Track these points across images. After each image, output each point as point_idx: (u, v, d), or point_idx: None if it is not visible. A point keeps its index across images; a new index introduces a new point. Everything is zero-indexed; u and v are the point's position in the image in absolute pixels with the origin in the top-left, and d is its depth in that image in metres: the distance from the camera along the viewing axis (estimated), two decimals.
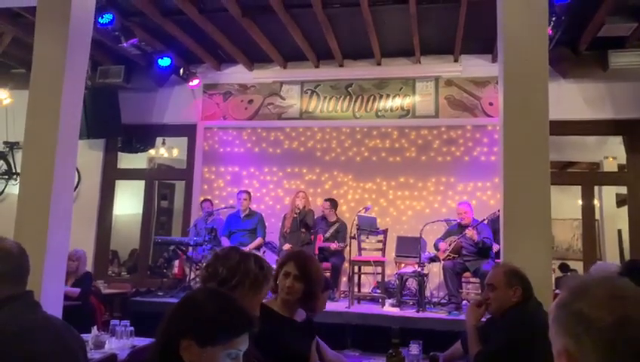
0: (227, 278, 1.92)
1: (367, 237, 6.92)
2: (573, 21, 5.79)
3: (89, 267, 7.44)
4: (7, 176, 8.12)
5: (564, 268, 8.46)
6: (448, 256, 6.13)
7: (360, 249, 6.87)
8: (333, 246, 6.64)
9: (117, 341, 3.45)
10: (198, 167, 8.10)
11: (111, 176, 8.33)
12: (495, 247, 5.94)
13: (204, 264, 2.07)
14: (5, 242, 1.79)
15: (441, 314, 5.75)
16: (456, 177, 7.42)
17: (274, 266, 2.47)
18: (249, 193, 7.19)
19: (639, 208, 7.01)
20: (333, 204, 7.08)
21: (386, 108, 7.68)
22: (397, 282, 6.30)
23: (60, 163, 4.06)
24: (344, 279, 6.83)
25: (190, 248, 6.84)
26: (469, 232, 6.02)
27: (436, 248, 6.36)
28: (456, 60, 7.44)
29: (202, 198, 7.74)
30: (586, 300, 0.96)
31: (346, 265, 6.70)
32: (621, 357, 0.91)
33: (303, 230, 6.78)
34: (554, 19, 5.37)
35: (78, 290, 5.34)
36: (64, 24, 4.18)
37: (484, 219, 6.18)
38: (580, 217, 7.60)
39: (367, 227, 6.64)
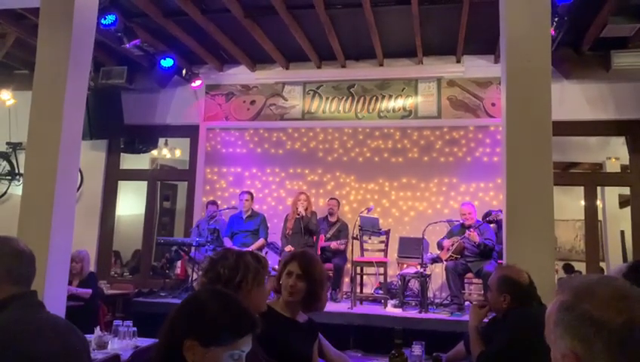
0: (230, 278, 1.94)
1: (370, 238, 6.92)
2: (575, 22, 5.78)
3: (92, 267, 7.47)
4: (10, 177, 8.13)
5: (568, 268, 8.44)
6: (451, 256, 6.12)
7: (362, 250, 6.86)
8: (334, 244, 6.66)
9: (120, 341, 3.45)
10: (201, 167, 8.11)
11: (113, 176, 8.34)
12: (497, 247, 5.94)
13: (202, 271, 2.08)
14: (19, 243, 1.82)
15: (443, 314, 5.74)
16: (458, 178, 7.41)
17: (276, 266, 2.48)
18: (251, 194, 7.19)
19: None
20: (338, 203, 7.15)
21: (389, 109, 7.67)
22: (399, 283, 6.30)
23: (62, 163, 4.08)
24: (346, 280, 6.82)
25: (193, 249, 6.85)
26: (470, 233, 6.01)
27: (440, 246, 6.36)
28: (458, 61, 7.43)
29: (208, 200, 7.73)
30: (592, 302, 0.96)
31: (349, 265, 6.70)
32: (630, 357, 0.91)
33: (307, 235, 6.79)
34: (556, 19, 5.36)
35: (89, 291, 5.31)
36: (67, 25, 4.19)
37: (485, 219, 6.17)
38: (583, 218, 7.58)
39: (370, 228, 6.63)
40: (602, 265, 7.88)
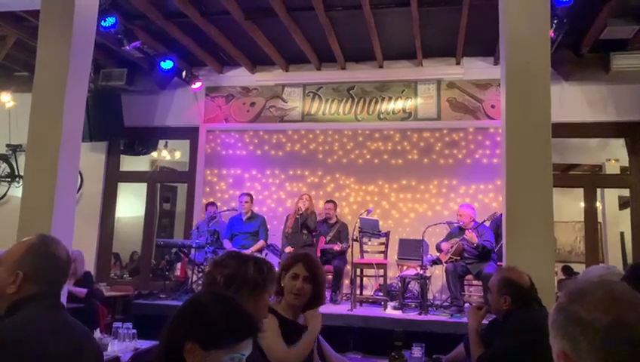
0: (225, 286, 1.90)
1: (370, 240, 6.91)
2: (575, 23, 5.79)
3: (92, 269, 7.47)
4: (10, 179, 8.14)
5: (567, 270, 8.42)
6: (450, 258, 6.12)
7: (362, 251, 6.86)
8: (337, 247, 6.65)
9: (120, 343, 3.45)
10: (201, 169, 8.11)
11: (113, 178, 8.34)
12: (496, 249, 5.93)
13: (205, 272, 2.06)
14: (58, 246, 1.85)
15: (443, 316, 5.73)
16: (458, 179, 7.41)
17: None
18: (251, 196, 7.19)
19: None
20: (335, 205, 7.13)
21: (388, 111, 7.68)
22: (399, 285, 6.29)
23: (62, 165, 4.08)
24: (346, 282, 6.82)
25: (192, 250, 6.85)
26: (469, 234, 6.01)
27: (438, 249, 6.36)
28: (458, 63, 7.44)
29: (207, 201, 7.73)
30: (582, 303, 0.98)
31: (349, 267, 6.70)
32: (615, 357, 0.92)
33: (305, 232, 6.81)
34: (556, 21, 5.37)
35: (85, 290, 5.32)
36: (67, 27, 4.20)
37: (484, 221, 6.17)
38: (583, 219, 7.59)
39: (370, 229, 6.63)
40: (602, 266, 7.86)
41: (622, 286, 1.02)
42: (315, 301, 2.46)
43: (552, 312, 1.03)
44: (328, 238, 6.86)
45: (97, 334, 3.48)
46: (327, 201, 7.17)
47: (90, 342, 1.78)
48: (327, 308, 5.80)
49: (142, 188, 8.55)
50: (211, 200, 7.79)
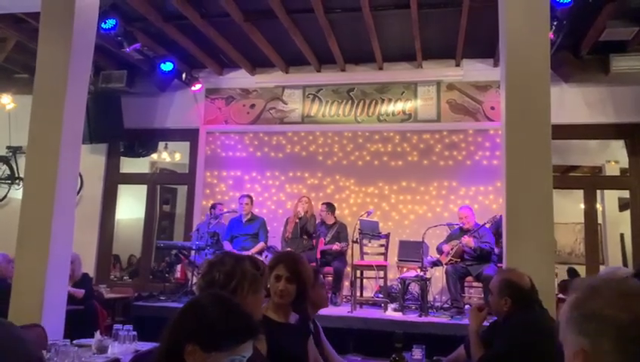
0: (225, 283, 1.91)
1: (370, 242, 6.91)
2: (574, 25, 5.80)
3: (92, 271, 7.47)
4: (10, 181, 8.14)
5: (571, 273, 8.38)
6: (451, 260, 6.12)
7: (362, 253, 6.85)
8: (336, 246, 6.65)
9: (120, 345, 3.45)
10: (201, 171, 8.11)
11: (113, 180, 8.34)
12: (496, 250, 5.94)
13: (200, 274, 2.06)
14: None
15: (443, 318, 5.73)
16: (458, 181, 7.41)
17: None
18: (251, 197, 7.19)
19: None
20: (330, 207, 7.09)
21: (388, 113, 7.68)
22: (399, 286, 6.29)
23: (62, 167, 4.09)
24: (346, 283, 6.82)
25: (192, 252, 6.85)
26: (465, 239, 6.01)
27: (439, 251, 6.36)
28: (457, 64, 7.45)
29: (212, 202, 7.69)
30: (599, 300, 0.98)
31: (349, 269, 6.70)
32: (637, 355, 0.92)
33: (305, 236, 6.80)
34: (555, 23, 5.38)
35: (82, 291, 5.34)
36: (67, 29, 4.21)
37: (485, 223, 6.17)
38: (583, 221, 7.59)
39: (370, 231, 6.63)
40: (602, 268, 7.87)
41: (634, 282, 1.03)
42: (302, 299, 2.45)
43: (567, 310, 1.03)
44: (327, 239, 6.85)
45: (97, 336, 3.48)
46: (322, 204, 7.17)
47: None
48: (327, 310, 5.76)
49: (142, 190, 8.54)
50: (212, 202, 7.78)
